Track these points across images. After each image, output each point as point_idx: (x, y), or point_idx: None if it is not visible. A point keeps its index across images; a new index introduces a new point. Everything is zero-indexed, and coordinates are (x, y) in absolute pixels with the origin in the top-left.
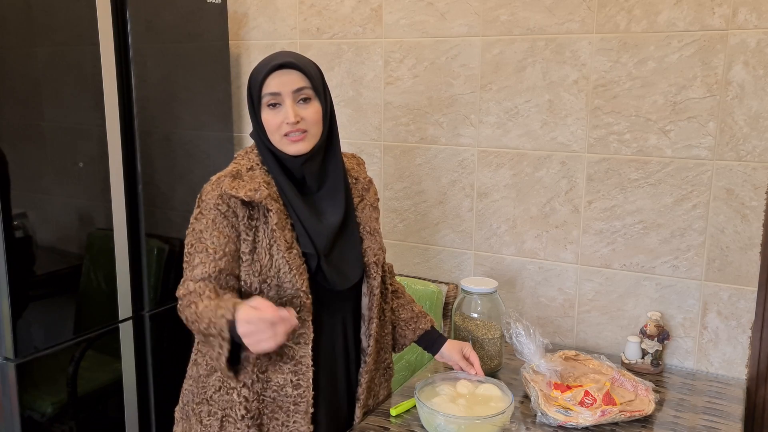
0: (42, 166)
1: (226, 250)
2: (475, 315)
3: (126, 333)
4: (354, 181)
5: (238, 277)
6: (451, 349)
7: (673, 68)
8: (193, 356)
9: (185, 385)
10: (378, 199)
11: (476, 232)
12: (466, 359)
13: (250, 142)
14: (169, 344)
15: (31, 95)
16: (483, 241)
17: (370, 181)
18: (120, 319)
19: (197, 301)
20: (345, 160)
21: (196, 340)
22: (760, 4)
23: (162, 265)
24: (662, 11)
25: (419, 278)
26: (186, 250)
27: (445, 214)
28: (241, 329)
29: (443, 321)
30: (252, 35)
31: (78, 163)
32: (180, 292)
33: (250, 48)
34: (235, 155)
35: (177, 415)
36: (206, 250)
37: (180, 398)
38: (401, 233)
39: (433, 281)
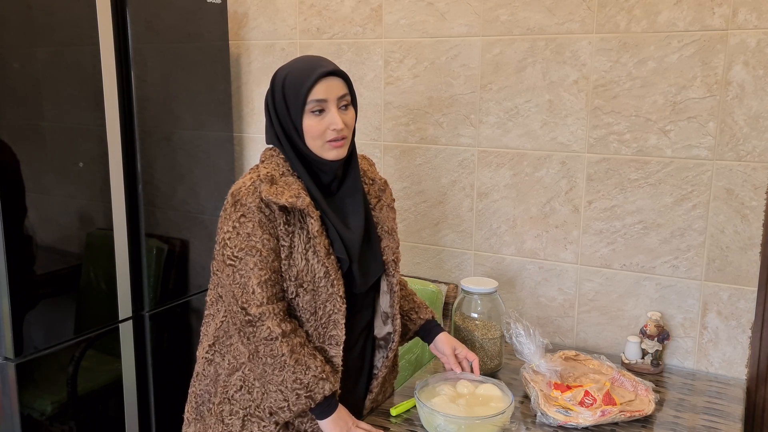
0: (42, 166)
1: (277, 251)
2: (475, 315)
3: (126, 333)
4: (370, 182)
5: (282, 278)
6: (444, 342)
7: (673, 68)
8: (207, 356)
9: (200, 386)
10: (394, 200)
11: (476, 232)
12: (457, 358)
13: (250, 142)
14: (169, 344)
15: (31, 95)
16: (483, 241)
17: (386, 182)
18: (120, 319)
19: (294, 344)
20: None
21: (209, 342)
22: (760, 4)
23: (162, 265)
24: (662, 11)
25: (419, 278)
26: (231, 253)
27: (445, 214)
28: (327, 427)
29: (443, 321)
30: (252, 35)
31: (78, 163)
32: (254, 310)
33: (250, 48)
34: (261, 158)
35: (189, 416)
36: (260, 252)
37: (190, 399)
38: (401, 233)
39: (433, 281)
